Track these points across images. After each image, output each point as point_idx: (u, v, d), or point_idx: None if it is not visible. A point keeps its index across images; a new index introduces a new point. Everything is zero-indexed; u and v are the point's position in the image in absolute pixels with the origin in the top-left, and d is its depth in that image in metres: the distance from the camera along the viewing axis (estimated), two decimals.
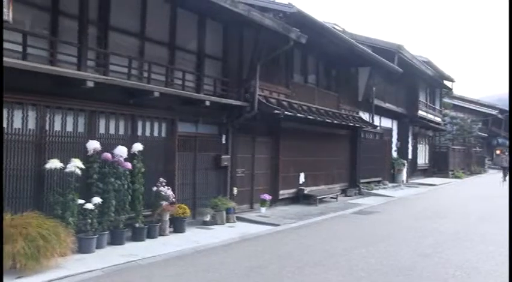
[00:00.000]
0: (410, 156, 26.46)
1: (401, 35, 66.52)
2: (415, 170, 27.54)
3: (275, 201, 14.17)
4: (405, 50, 21.10)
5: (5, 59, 7.02)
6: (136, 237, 9.09)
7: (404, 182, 24.29)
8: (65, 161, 7.93)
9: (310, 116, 14.63)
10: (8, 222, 6.74)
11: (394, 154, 24.65)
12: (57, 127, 8.30)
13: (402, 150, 25.25)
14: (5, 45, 7.35)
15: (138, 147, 9.22)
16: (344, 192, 18.55)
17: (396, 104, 24.07)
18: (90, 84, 8.17)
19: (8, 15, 6.62)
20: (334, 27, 17.70)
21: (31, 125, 7.90)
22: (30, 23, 7.93)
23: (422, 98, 27.41)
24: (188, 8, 10.90)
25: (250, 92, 12.22)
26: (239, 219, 11.92)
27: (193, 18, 11.31)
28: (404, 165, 24.40)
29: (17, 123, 7.70)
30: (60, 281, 6.54)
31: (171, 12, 10.68)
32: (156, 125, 10.26)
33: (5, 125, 7.49)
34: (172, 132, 10.59)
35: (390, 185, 22.42)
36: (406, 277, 7.14)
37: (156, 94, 9.43)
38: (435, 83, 29.31)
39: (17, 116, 7.70)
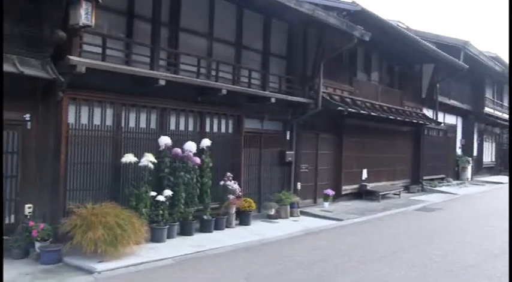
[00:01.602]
0: (475, 154, 25.11)
1: (468, 31, 63.56)
2: (480, 168, 26.11)
3: (338, 196, 13.87)
4: (472, 46, 19.98)
5: (88, 60, 7.26)
6: (204, 228, 9.15)
7: (469, 179, 23.10)
8: (139, 156, 8.08)
9: (373, 112, 14.22)
10: (89, 211, 6.97)
11: (459, 151, 23.51)
12: (132, 124, 8.47)
13: (467, 148, 24.04)
14: (88, 48, 7.61)
15: (206, 142, 9.26)
16: (407, 188, 17.89)
17: (461, 100, 22.90)
18: (162, 82, 8.29)
19: (91, 20, 6.82)
20: (398, 25, 17.05)
21: (109, 121, 8.11)
22: (108, 27, 8.12)
23: (489, 94, 25.87)
24: (254, 9, 10.82)
25: (314, 89, 12.04)
26: (303, 213, 11.75)
27: (258, 19, 11.22)
28: (469, 162, 23.21)
29: (97, 120, 7.93)
30: (136, 267, 6.67)
31: (237, 13, 10.64)
32: (223, 122, 10.28)
33: (85, 122, 7.75)
34: (238, 128, 10.57)
35: (454, 182, 21.39)
36: (474, 276, 6.72)
37: (224, 92, 9.45)
38: (504, 79, 27.62)
39: (97, 113, 7.92)
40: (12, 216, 6.99)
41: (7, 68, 6.45)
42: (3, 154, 6.52)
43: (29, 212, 7.09)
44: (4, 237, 6.76)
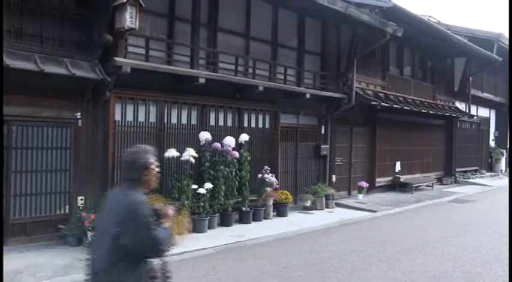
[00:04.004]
0: (509, 146, 24.23)
1: (501, 23, 61.09)
2: None
3: (371, 188, 13.65)
4: (505, 38, 19.21)
5: (132, 61, 7.38)
6: (243, 219, 9.17)
7: (503, 171, 22.30)
8: (181, 150, 8.16)
9: (406, 106, 13.91)
10: None
11: (492, 143, 22.72)
12: (174, 120, 8.55)
13: (500, 140, 23.18)
14: (132, 49, 7.73)
15: (244, 137, 9.26)
16: (440, 180, 17.42)
17: (494, 93, 22.07)
18: (202, 80, 8.32)
19: (135, 23, 6.92)
20: (429, 19, 16.58)
21: (152, 118, 8.22)
22: (150, 29, 8.22)
23: None
24: (289, 8, 10.72)
25: (348, 84, 11.88)
26: (337, 205, 11.62)
27: (293, 17, 11.11)
28: (502, 154, 22.38)
29: (141, 117, 8.04)
30: (180, 256, 6.75)
31: (273, 13, 10.57)
32: (260, 117, 10.25)
33: (130, 119, 7.87)
34: (275, 123, 10.53)
35: (488, 174, 20.68)
36: None
37: (261, 88, 9.41)
38: None
39: (141, 110, 8.03)
40: (67, 207, 7.20)
41: (61, 70, 6.64)
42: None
43: (81, 204, 7.28)
44: (60, 226, 7.00)
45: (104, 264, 2.69)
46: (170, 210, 2.96)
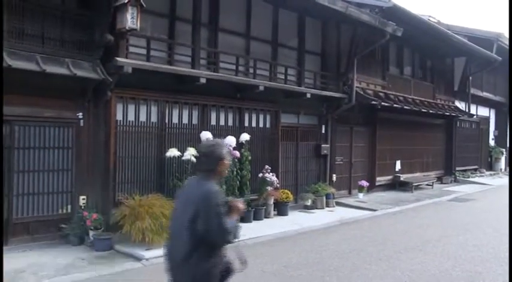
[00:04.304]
0: (509, 145, 24.22)
1: (500, 22, 60.90)
2: None
3: (372, 187, 13.65)
4: (505, 38, 19.17)
5: (134, 61, 7.38)
6: (244, 219, 9.11)
7: (503, 170, 22.28)
8: (182, 150, 8.14)
9: (406, 106, 13.91)
10: (137, 202, 7.09)
11: (492, 142, 22.70)
12: (175, 120, 8.55)
13: (500, 139, 23.16)
14: (134, 49, 7.73)
15: (245, 137, 9.26)
16: (440, 179, 17.42)
17: (494, 92, 22.03)
18: (203, 80, 8.32)
19: (136, 24, 6.93)
20: (429, 19, 16.56)
21: (153, 118, 8.21)
22: (151, 29, 8.21)
23: None
24: (289, 8, 10.71)
25: (348, 84, 11.88)
26: (338, 204, 11.62)
27: (293, 17, 11.11)
28: (502, 153, 22.35)
29: (142, 117, 8.04)
30: None
31: (273, 13, 10.56)
32: (261, 117, 10.25)
33: (132, 118, 7.88)
34: (276, 123, 10.53)
35: (487, 173, 20.66)
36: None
37: (261, 88, 9.42)
38: None
39: (142, 110, 8.03)
40: (69, 207, 7.20)
41: (62, 70, 6.64)
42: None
43: (83, 203, 7.29)
44: (62, 226, 7.01)
45: (182, 252, 2.92)
46: (240, 204, 3.14)
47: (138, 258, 6.48)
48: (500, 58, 17.79)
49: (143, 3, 6.94)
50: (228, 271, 3.13)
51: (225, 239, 2.95)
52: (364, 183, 12.88)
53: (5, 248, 6.45)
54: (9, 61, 6.07)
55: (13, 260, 6.15)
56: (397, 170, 15.13)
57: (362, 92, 12.50)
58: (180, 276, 2.99)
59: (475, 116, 20.07)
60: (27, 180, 6.79)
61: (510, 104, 19.36)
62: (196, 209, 2.90)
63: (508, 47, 19.10)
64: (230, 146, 8.76)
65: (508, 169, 22.72)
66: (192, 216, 2.89)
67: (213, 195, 2.92)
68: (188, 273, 2.91)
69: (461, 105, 18.96)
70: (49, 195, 7.01)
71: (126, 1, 6.74)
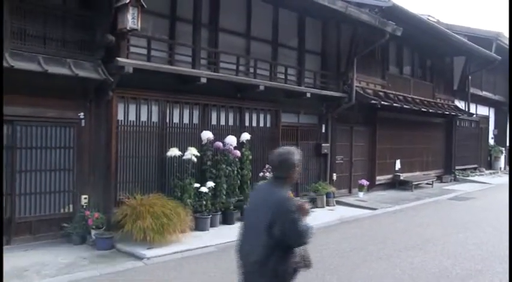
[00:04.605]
0: (508, 144, 24.22)
1: (500, 21, 60.69)
2: None
3: (372, 186, 13.66)
4: (505, 37, 19.17)
5: (135, 61, 7.40)
6: None
7: (502, 169, 22.30)
8: (183, 150, 8.17)
9: (405, 105, 13.92)
10: (138, 201, 7.12)
11: (491, 141, 22.70)
12: (176, 119, 8.56)
13: (500, 138, 23.17)
14: (135, 49, 7.74)
15: (246, 136, 9.27)
16: (439, 178, 17.43)
17: (494, 91, 22.04)
18: (204, 80, 8.34)
19: (137, 24, 6.94)
20: (428, 19, 16.56)
21: (154, 118, 8.23)
22: (152, 29, 8.22)
23: None
24: (289, 8, 10.72)
25: (348, 83, 11.89)
26: (338, 203, 11.63)
27: (293, 17, 11.12)
28: (502, 152, 22.38)
29: (143, 117, 8.06)
30: (182, 253, 6.78)
31: (273, 13, 10.57)
32: (261, 116, 10.26)
33: (133, 118, 7.89)
34: (276, 122, 10.54)
35: (487, 172, 20.67)
36: None
37: (262, 88, 9.43)
38: None
39: (143, 110, 8.05)
40: (71, 206, 7.22)
41: (64, 71, 6.66)
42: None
43: (85, 203, 7.31)
44: (64, 225, 7.03)
45: (259, 255, 3.05)
46: (307, 205, 3.22)
47: (139, 257, 6.50)
48: (499, 57, 17.80)
49: (144, 4, 6.95)
50: (295, 271, 3.23)
51: (302, 241, 3.10)
52: (364, 182, 12.89)
53: (8, 247, 6.51)
54: (12, 62, 6.09)
55: (16, 258, 6.19)
56: (397, 169, 15.14)
57: (362, 92, 12.50)
58: (256, 277, 3.12)
59: (474, 115, 20.07)
60: (30, 180, 6.81)
61: (510, 103, 19.37)
62: (273, 215, 3.02)
63: (507, 46, 19.11)
64: (231, 145, 8.79)
65: (507, 168, 22.73)
66: (269, 222, 3.01)
67: (288, 202, 3.07)
68: (265, 275, 3.06)
69: (460, 104, 18.97)
70: (51, 195, 7.03)
71: (127, 1, 6.75)
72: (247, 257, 3.17)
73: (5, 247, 6.43)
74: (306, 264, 3.30)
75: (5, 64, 6.01)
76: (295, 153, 3.27)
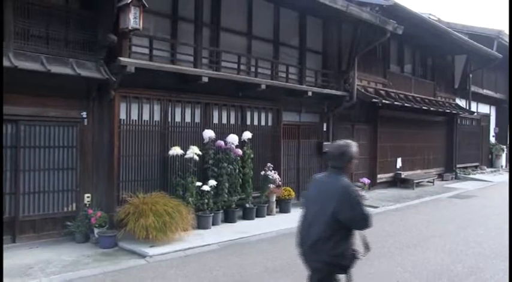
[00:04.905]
0: (509, 142, 24.18)
1: (501, 19, 60.47)
2: None
3: (373, 184, 13.67)
4: (506, 35, 19.13)
5: (136, 61, 7.42)
6: (247, 216, 9.21)
7: (504, 167, 22.27)
8: (185, 148, 8.19)
9: (406, 103, 13.91)
10: (140, 200, 7.15)
11: (492, 140, 22.68)
12: (178, 118, 8.59)
13: (501, 136, 23.15)
14: (136, 49, 7.77)
15: (247, 135, 9.29)
16: (440, 176, 17.44)
17: (495, 89, 22.03)
18: (205, 79, 8.36)
19: (139, 24, 6.97)
20: (429, 17, 16.57)
21: (156, 117, 8.26)
22: (154, 29, 8.25)
23: None
24: (290, 7, 10.74)
25: (349, 82, 11.91)
26: None
27: (294, 16, 11.13)
28: (503, 150, 22.35)
29: (146, 116, 8.08)
30: (184, 251, 6.81)
31: (274, 12, 10.59)
32: (263, 115, 10.28)
33: (135, 117, 7.92)
34: (277, 121, 10.56)
35: (488, 170, 20.66)
36: None
37: (263, 86, 9.46)
38: None
39: (145, 109, 8.07)
40: (74, 205, 7.25)
41: (67, 70, 6.70)
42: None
43: (88, 201, 7.34)
44: (67, 223, 7.06)
45: (322, 235, 3.35)
46: (363, 192, 3.53)
47: (142, 255, 6.53)
48: (500, 55, 17.79)
49: (146, 4, 6.98)
50: (354, 255, 3.48)
51: (366, 225, 3.37)
52: (366, 180, 12.88)
53: (13, 245, 6.58)
54: (16, 62, 6.13)
55: (21, 256, 6.25)
56: (398, 167, 15.15)
57: (363, 90, 12.52)
58: (315, 257, 3.41)
59: (475, 113, 20.07)
60: (33, 179, 6.85)
61: (510, 102, 19.36)
62: (338, 201, 3.31)
63: (508, 45, 19.09)
64: (232, 144, 8.81)
65: (508, 166, 22.71)
66: (335, 207, 3.30)
67: (352, 188, 3.37)
68: (325, 255, 3.35)
69: (461, 102, 18.96)
70: (54, 194, 7.07)
71: (128, 1, 6.78)
72: (307, 240, 3.46)
73: (10, 245, 6.54)
74: (366, 247, 3.57)
75: (9, 64, 6.06)
76: (353, 146, 3.54)
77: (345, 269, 3.48)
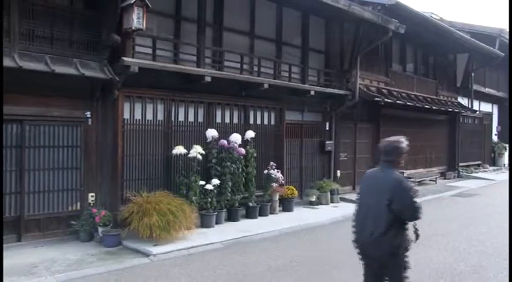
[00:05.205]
0: (509, 140, 24.09)
1: (503, 17, 60.25)
2: None
3: None
4: (507, 33, 19.06)
5: (140, 61, 7.43)
6: (250, 215, 9.21)
7: (506, 165, 22.19)
8: (188, 148, 8.19)
9: (409, 102, 13.90)
10: (144, 199, 7.15)
11: (495, 138, 22.62)
12: (181, 118, 8.58)
13: (503, 134, 23.08)
14: (140, 49, 7.77)
15: (250, 134, 9.29)
16: (443, 175, 17.40)
17: (497, 88, 21.95)
18: (208, 79, 8.36)
19: (142, 24, 6.98)
20: (431, 16, 16.51)
21: (160, 116, 8.26)
22: (157, 29, 8.25)
23: None
24: (292, 7, 10.72)
25: (351, 81, 11.89)
26: (342, 199, 11.63)
27: (297, 16, 11.11)
28: (505, 149, 22.29)
29: (149, 115, 8.09)
30: (188, 250, 6.82)
31: (277, 11, 10.57)
32: (265, 114, 10.27)
33: (139, 117, 7.92)
34: (280, 120, 10.55)
35: (491, 168, 20.60)
36: None
37: (266, 86, 9.45)
38: None
39: (149, 109, 8.08)
40: (78, 204, 7.27)
41: (71, 70, 6.71)
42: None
43: (92, 200, 7.36)
44: (71, 222, 7.08)
45: (380, 227, 3.57)
46: (415, 186, 3.74)
47: (145, 254, 6.54)
48: (502, 54, 17.71)
49: (149, 4, 6.99)
50: (408, 243, 3.70)
51: (416, 215, 3.58)
52: None
53: (18, 243, 6.61)
54: (20, 62, 6.15)
55: (26, 255, 6.28)
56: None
57: (365, 89, 12.50)
58: (374, 248, 3.65)
59: (477, 112, 20.02)
60: (38, 178, 6.86)
61: (510, 101, 19.29)
62: (392, 193, 3.54)
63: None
64: (235, 143, 8.81)
65: (509, 164, 22.62)
66: (389, 199, 3.53)
67: (404, 181, 3.63)
68: (384, 245, 3.57)
69: (464, 101, 18.91)
70: (59, 193, 7.09)
71: (132, 2, 6.79)
72: (364, 232, 3.69)
73: (16, 244, 6.58)
74: (417, 235, 3.76)
75: (13, 64, 6.08)
76: (404, 141, 3.80)
77: (402, 256, 3.67)
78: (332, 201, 11.23)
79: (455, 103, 18.03)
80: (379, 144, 3.96)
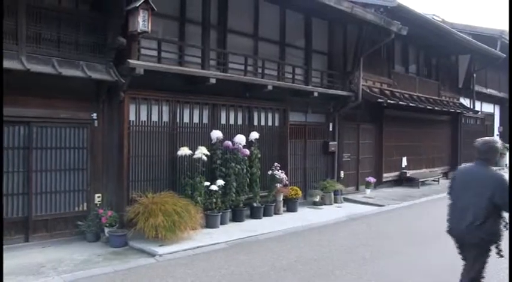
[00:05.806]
0: (508, 141, 23.96)
1: (504, 19, 60.16)
2: None
3: (379, 183, 13.62)
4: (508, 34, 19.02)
5: (145, 63, 7.43)
6: (254, 215, 9.19)
7: (508, 165, 22.12)
8: (193, 149, 8.19)
9: (411, 103, 13.85)
10: (150, 200, 7.15)
11: (497, 139, 22.50)
12: (186, 119, 8.58)
13: (505, 135, 22.96)
14: (145, 51, 7.78)
15: (254, 135, 9.27)
16: (446, 175, 17.28)
17: (499, 89, 21.87)
18: (213, 80, 8.35)
19: (148, 26, 6.98)
20: (433, 18, 16.45)
21: (165, 118, 8.26)
22: (162, 31, 8.26)
23: None
24: (296, 9, 10.71)
25: (354, 82, 11.85)
26: (346, 200, 11.62)
27: (300, 18, 11.09)
28: (507, 149, 22.18)
29: (154, 117, 8.08)
30: (193, 250, 6.80)
31: (280, 14, 10.56)
32: (269, 115, 10.25)
33: (144, 119, 7.92)
34: (284, 121, 10.53)
35: (493, 168, 20.50)
36: None
37: (270, 87, 9.44)
38: None
39: (154, 110, 8.07)
40: (85, 205, 7.27)
41: (77, 73, 6.72)
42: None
43: (98, 201, 7.36)
44: (78, 223, 7.08)
45: (479, 217, 4.05)
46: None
47: (151, 254, 6.53)
48: (504, 55, 17.65)
49: (154, 7, 6.99)
50: (502, 231, 4.16)
51: None
52: (371, 179, 12.86)
53: (26, 244, 6.62)
54: (28, 65, 6.16)
55: (34, 255, 6.30)
56: (403, 166, 15.08)
57: (368, 90, 12.47)
58: (473, 236, 4.11)
59: (479, 113, 19.95)
60: (45, 179, 6.87)
61: (510, 101, 19.19)
62: (494, 187, 4.02)
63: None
64: (240, 144, 8.80)
65: (508, 165, 22.49)
66: (492, 192, 4.00)
67: (503, 176, 4.10)
68: (483, 232, 4.07)
69: (466, 101, 18.85)
70: (66, 194, 7.09)
71: (137, 5, 6.79)
72: (467, 221, 4.11)
73: (24, 244, 6.59)
74: (505, 225, 4.17)
75: (21, 67, 6.10)
76: (498, 142, 4.32)
77: (497, 243, 4.15)
78: (336, 202, 11.21)
79: (457, 104, 17.96)
80: (474, 143, 4.32)
